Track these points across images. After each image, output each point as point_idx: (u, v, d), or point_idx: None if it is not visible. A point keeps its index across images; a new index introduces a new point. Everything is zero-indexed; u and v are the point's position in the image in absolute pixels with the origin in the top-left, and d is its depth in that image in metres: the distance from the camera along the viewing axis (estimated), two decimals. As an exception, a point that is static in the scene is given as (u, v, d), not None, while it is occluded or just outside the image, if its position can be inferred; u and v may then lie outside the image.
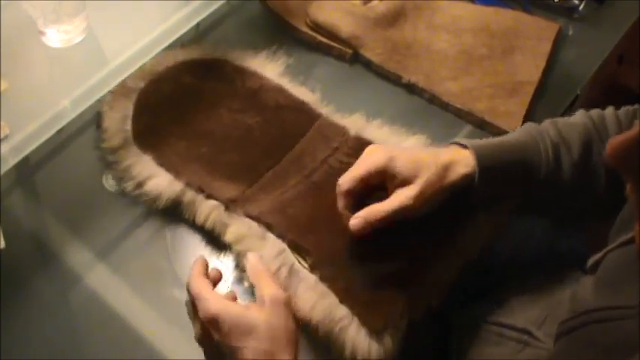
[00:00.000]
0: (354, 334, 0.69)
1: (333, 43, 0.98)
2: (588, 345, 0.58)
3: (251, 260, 0.71)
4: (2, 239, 0.77)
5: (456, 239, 0.75)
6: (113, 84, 0.82)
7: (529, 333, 0.70)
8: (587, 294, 0.63)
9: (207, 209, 0.79)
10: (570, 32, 1.02)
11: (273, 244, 0.75)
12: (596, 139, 0.72)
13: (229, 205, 0.79)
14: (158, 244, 0.80)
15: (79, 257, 0.79)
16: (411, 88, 0.95)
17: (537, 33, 0.99)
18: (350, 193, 0.72)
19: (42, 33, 0.83)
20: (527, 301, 0.74)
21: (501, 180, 0.71)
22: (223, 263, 0.78)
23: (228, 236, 0.77)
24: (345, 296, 0.71)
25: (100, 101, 0.84)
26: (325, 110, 0.89)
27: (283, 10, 1.00)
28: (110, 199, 0.84)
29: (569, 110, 0.95)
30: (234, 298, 0.70)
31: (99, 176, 0.85)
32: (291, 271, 0.73)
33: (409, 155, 0.71)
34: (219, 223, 0.78)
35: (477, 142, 0.73)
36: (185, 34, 0.88)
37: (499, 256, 0.80)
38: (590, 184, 0.72)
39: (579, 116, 0.75)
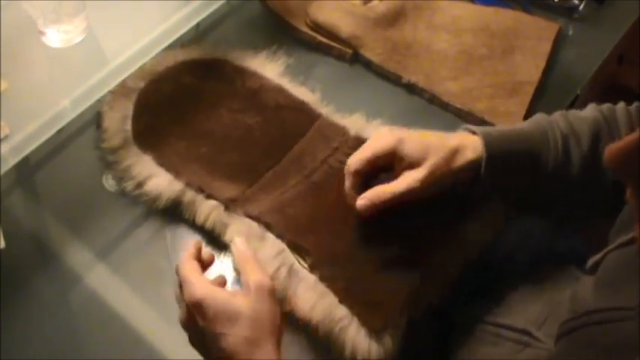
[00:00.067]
0: (354, 334, 0.69)
1: (333, 43, 0.98)
2: (588, 346, 0.58)
3: (238, 245, 0.70)
4: (2, 239, 0.77)
5: (459, 229, 0.75)
6: (113, 84, 0.82)
7: (529, 334, 0.70)
8: (587, 294, 0.63)
9: (207, 209, 0.79)
10: (570, 32, 1.02)
11: (273, 244, 0.75)
12: (606, 133, 0.72)
13: (229, 205, 0.79)
14: (158, 244, 0.80)
15: (79, 257, 0.79)
16: (411, 88, 0.95)
17: (537, 33, 0.99)
18: (358, 174, 0.72)
19: (42, 33, 0.83)
20: (527, 301, 0.74)
21: (508, 168, 0.71)
22: (223, 263, 0.78)
23: (228, 236, 0.77)
24: (344, 296, 0.71)
25: (100, 101, 0.84)
26: (325, 110, 0.89)
27: (283, 10, 1.00)
28: (110, 199, 0.84)
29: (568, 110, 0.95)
30: (224, 283, 0.69)
31: (99, 176, 0.85)
32: (291, 271, 0.73)
33: (418, 138, 0.72)
34: (219, 223, 0.79)
35: (487, 128, 0.73)
36: (185, 34, 0.88)
37: (499, 255, 0.80)
38: (599, 177, 0.71)
39: (590, 110, 0.75)
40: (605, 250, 0.63)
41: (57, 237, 0.81)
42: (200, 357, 0.67)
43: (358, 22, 0.97)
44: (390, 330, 0.70)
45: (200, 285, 0.63)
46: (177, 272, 0.66)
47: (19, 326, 0.74)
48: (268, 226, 0.76)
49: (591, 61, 0.99)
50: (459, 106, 0.92)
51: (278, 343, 0.63)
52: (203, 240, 0.80)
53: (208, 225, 0.79)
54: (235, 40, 0.97)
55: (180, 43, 0.93)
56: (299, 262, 0.74)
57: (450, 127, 0.90)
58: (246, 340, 0.61)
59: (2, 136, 0.75)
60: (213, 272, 0.71)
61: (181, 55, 0.93)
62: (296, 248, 0.74)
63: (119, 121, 0.86)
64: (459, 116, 0.92)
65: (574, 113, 0.75)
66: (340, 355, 0.69)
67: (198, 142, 0.85)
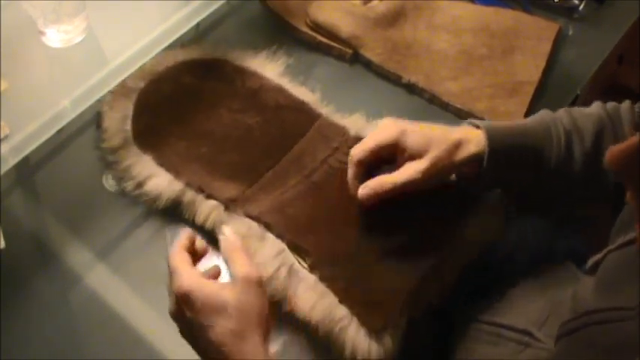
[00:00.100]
0: (354, 334, 0.69)
1: (333, 43, 0.98)
2: (588, 346, 0.58)
3: (227, 235, 0.69)
4: (2, 239, 0.77)
5: (460, 223, 0.75)
6: (113, 84, 0.82)
7: (530, 334, 0.70)
8: (587, 294, 0.63)
9: (207, 209, 0.79)
10: (570, 32, 1.02)
11: (273, 244, 0.75)
12: (610, 130, 0.72)
13: (229, 205, 0.79)
14: (158, 244, 0.80)
15: (79, 257, 0.79)
16: (411, 88, 0.95)
17: (537, 33, 0.99)
18: (361, 164, 0.73)
19: (42, 33, 0.83)
20: (527, 301, 0.74)
21: (511, 162, 0.71)
22: (223, 263, 0.78)
23: (228, 236, 0.77)
24: (344, 296, 0.71)
25: (100, 101, 0.84)
26: (325, 110, 0.89)
27: (283, 10, 1.00)
28: (110, 199, 0.84)
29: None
30: (217, 274, 0.69)
31: (99, 176, 0.85)
32: (291, 271, 0.73)
33: (421, 130, 0.72)
34: (219, 223, 0.78)
35: (491, 123, 0.73)
36: (185, 34, 0.88)
37: (499, 255, 0.80)
38: (602, 174, 0.71)
39: (595, 107, 0.76)
40: (605, 250, 0.63)
41: (57, 237, 0.81)
42: (199, 357, 0.67)
43: (358, 22, 0.97)
44: (390, 330, 0.70)
45: (188, 276, 0.63)
46: (167, 264, 0.66)
47: (19, 326, 0.74)
48: (268, 226, 0.76)
49: (591, 61, 0.99)
50: (459, 106, 0.92)
51: (265, 335, 0.62)
52: (203, 240, 0.80)
53: (208, 225, 0.79)
54: (235, 40, 0.97)
55: (180, 43, 0.93)
56: (299, 262, 0.74)
57: (450, 128, 0.91)
58: (231, 332, 0.60)
59: (2, 136, 0.75)
60: (209, 265, 0.71)
61: (181, 55, 0.93)
62: (296, 248, 0.74)
63: (119, 121, 0.86)
64: (459, 116, 0.92)
65: (578, 110, 0.75)
66: (340, 355, 0.69)
67: (198, 142, 0.85)
